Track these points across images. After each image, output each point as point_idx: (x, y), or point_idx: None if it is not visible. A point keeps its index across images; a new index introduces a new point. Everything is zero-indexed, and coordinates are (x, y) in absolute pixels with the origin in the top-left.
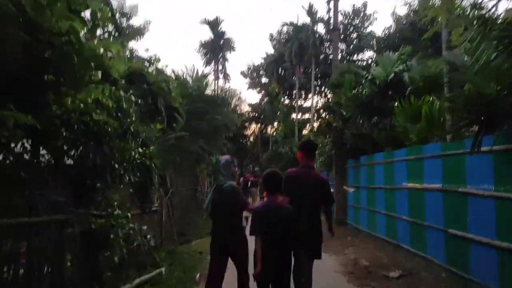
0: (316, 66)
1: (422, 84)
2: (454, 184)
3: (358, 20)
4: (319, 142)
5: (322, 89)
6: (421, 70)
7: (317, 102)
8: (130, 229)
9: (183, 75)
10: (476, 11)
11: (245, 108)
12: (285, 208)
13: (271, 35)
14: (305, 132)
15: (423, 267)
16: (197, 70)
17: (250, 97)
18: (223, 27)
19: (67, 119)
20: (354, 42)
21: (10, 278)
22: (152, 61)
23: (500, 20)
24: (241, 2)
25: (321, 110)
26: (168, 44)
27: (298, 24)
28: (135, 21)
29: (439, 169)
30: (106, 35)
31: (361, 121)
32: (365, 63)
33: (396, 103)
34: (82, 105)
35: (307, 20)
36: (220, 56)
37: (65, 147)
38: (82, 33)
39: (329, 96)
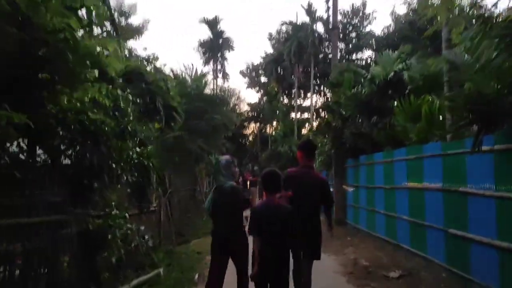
0: (315, 65)
1: (422, 83)
2: (455, 184)
3: (357, 20)
4: (319, 142)
5: (321, 89)
6: (421, 69)
7: (316, 102)
8: (128, 230)
9: (181, 74)
10: (475, 11)
11: (244, 108)
12: (284, 207)
13: (270, 34)
14: (304, 131)
15: (423, 267)
16: (196, 69)
17: (249, 97)
18: (222, 26)
19: (63, 118)
20: (353, 41)
21: (6, 279)
22: (151, 60)
23: (501, 18)
24: (241, 2)
25: (320, 110)
26: (168, 44)
27: (298, 23)
28: (134, 20)
29: (439, 169)
30: (104, 34)
31: (360, 121)
32: (364, 62)
33: (396, 102)
34: (78, 104)
35: (306, 19)
36: (219, 55)
37: (62, 147)
38: (79, 32)
39: (328, 95)
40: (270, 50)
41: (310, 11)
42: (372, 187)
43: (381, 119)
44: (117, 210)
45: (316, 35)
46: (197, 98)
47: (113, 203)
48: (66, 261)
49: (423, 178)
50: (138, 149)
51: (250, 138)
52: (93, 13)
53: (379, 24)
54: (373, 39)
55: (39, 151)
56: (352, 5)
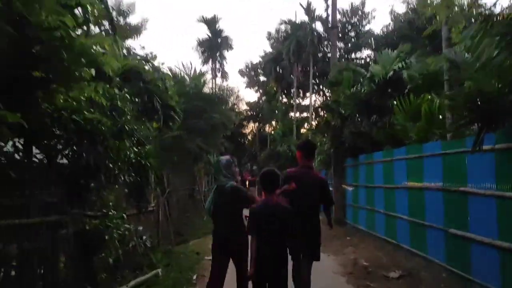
0: (314, 65)
1: (422, 82)
2: (455, 183)
3: (356, 19)
4: (318, 141)
5: (320, 88)
6: (421, 68)
7: (315, 101)
8: (125, 230)
9: (180, 73)
10: (474, 10)
11: (243, 107)
12: (283, 206)
13: (269, 34)
14: (303, 130)
15: (423, 267)
16: (195, 68)
17: (248, 96)
18: (220, 25)
19: (58, 117)
20: (352, 41)
21: (1, 279)
22: (149, 58)
23: (502, 16)
24: (241, 2)
25: (320, 109)
26: (168, 44)
27: (297, 22)
28: (133, 20)
29: (439, 168)
30: (103, 33)
31: (359, 120)
32: (363, 61)
33: (395, 101)
34: (74, 103)
35: (305, 18)
36: (217, 54)
37: (59, 146)
38: (78, 31)
39: (327, 94)
40: (269, 50)
41: (309, 10)
42: (371, 186)
43: (380, 118)
44: (115, 210)
45: (315, 34)
46: (195, 97)
47: (110, 203)
48: (63, 262)
49: (423, 178)
50: (135, 149)
51: (249, 138)
52: (89, 11)
53: (378, 23)
54: (372, 38)
55: (36, 151)
56: (351, 4)
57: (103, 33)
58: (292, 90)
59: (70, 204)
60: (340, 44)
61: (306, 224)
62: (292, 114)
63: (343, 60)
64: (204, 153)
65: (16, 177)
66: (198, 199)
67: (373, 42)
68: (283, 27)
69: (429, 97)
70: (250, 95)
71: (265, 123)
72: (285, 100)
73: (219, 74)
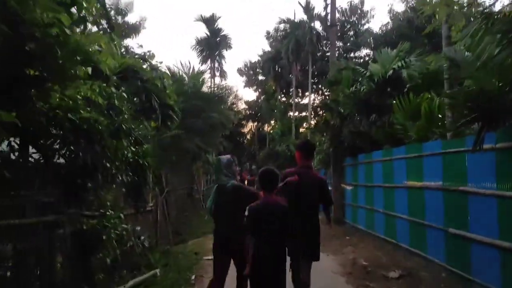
0: (313, 64)
1: (421, 81)
2: (455, 183)
3: (355, 18)
4: (317, 140)
5: (319, 87)
6: (420, 67)
7: (314, 100)
8: (123, 230)
9: (179, 72)
10: (473, 8)
11: (242, 106)
12: (282, 206)
13: (268, 32)
14: (302, 130)
15: (423, 267)
16: (193, 67)
17: (246, 95)
18: (219, 24)
19: (54, 116)
20: (351, 40)
21: None
22: (147, 57)
23: (503, 14)
24: (243, 3)
25: (319, 108)
26: (169, 44)
27: (295, 21)
28: (131, 19)
29: (439, 167)
30: (101, 32)
31: (359, 119)
32: (362, 60)
33: (395, 100)
34: (70, 102)
35: (304, 17)
36: (216, 53)
37: (56, 146)
38: (76, 29)
39: (326, 93)
40: (268, 49)
41: (308, 8)
42: (371, 185)
43: (380, 118)
44: (112, 210)
45: (314, 33)
46: (194, 97)
47: (108, 203)
48: (60, 262)
49: (423, 177)
50: (133, 148)
51: (248, 137)
52: (84, 7)
53: (377, 22)
54: (371, 37)
55: (32, 150)
56: (350, 2)
57: (101, 32)
58: (291, 89)
59: (67, 204)
60: (339, 43)
61: (306, 224)
62: (291, 113)
63: (342, 59)
64: (203, 153)
65: (11, 177)
66: (197, 198)
67: (372, 41)
68: (282, 26)
69: (429, 96)
70: (249, 94)
71: (264, 123)
72: (284, 99)
73: (217, 73)
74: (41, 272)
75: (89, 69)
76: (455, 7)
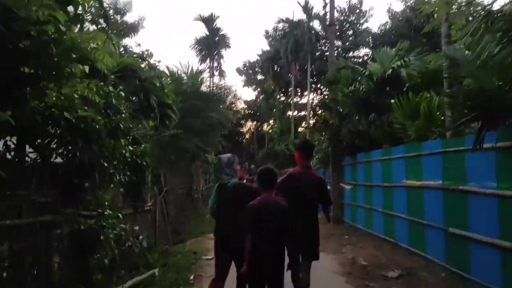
0: (312, 63)
1: (421, 80)
2: (454, 182)
3: (353, 17)
4: (316, 139)
5: (318, 86)
6: (419, 66)
7: (313, 99)
8: (121, 230)
9: (177, 72)
10: (473, 7)
11: (241, 105)
12: (281, 204)
13: (267, 32)
14: (301, 129)
15: (422, 266)
16: (192, 67)
17: (245, 95)
18: (218, 23)
19: (50, 115)
20: (350, 39)
21: None
22: (145, 56)
23: (503, 12)
24: (242, 2)
25: (317, 107)
26: (169, 45)
27: (294, 20)
28: (130, 18)
29: (438, 167)
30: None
31: (357, 118)
32: (360, 60)
33: (394, 99)
34: (67, 101)
35: (303, 16)
36: (215, 53)
37: (53, 145)
38: (70, 27)
39: (325, 93)
40: (267, 48)
41: (306, 8)
42: (369, 185)
43: (379, 117)
44: (110, 210)
45: (313, 32)
46: (193, 96)
47: (106, 203)
48: (57, 262)
49: (422, 176)
50: (131, 148)
51: (247, 136)
52: (80, 3)
53: (376, 21)
54: (370, 37)
55: (29, 150)
56: (349, 2)
57: (99, 31)
58: (290, 89)
59: (64, 204)
60: (338, 43)
61: (306, 224)
62: (290, 112)
63: (341, 58)
64: (202, 152)
65: (7, 177)
66: (196, 198)
67: (370, 40)
68: (280, 25)
69: (428, 95)
70: (248, 94)
71: (263, 122)
72: (283, 98)
73: (216, 73)
74: (38, 272)
75: (86, 68)
76: (454, 6)
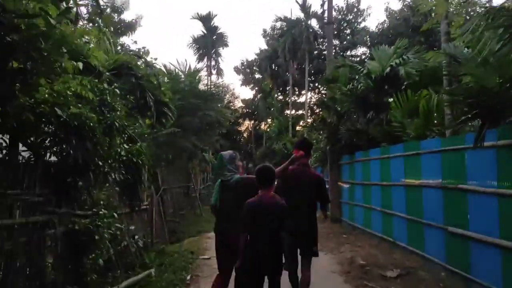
0: (309, 62)
1: (419, 78)
2: (454, 181)
3: (351, 16)
4: (314, 138)
5: (316, 85)
6: (418, 64)
7: (310, 98)
8: (117, 229)
9: (175, 70)
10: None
11: (239, 104)
12: (279, 203)
13: (264, 31)
14: (299, 128)
15: (421, 266)
16: (190, 65)
17: (243, 93)
18: (216, 22)
19: (42, 112)
20: (348, 38)
21: None
22: (141, 53)
23: (505, 8)
24: (241, 2)
25: (315, 106)
26: (169, 45)
27: (292, 19)
28: (128, 16)
29: (438, 165)
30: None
31: (356, 116)
32: (358, 59)
33: (393, 97)
34: (62, 98)
35: (301, 15)
36: (213, 51)
37: (47, 143)
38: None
39: (323, 92)
40: (264, 47)
41: (304, 6)
42: (368, 183)
43: (377, 115)
44: (106, 209)
45: (311, 31)
46: (190, 95)
47: (101, 202)
48: (51, 263)
49: (421, 175)
50: (126, 146)
51: (245, 135)
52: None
53: (374, 20)
54: (368, 36)
55: (23, 148)
56: (347, 1)
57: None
58: (287, 88)
59: (58, 203)
60: (336, 42)
61: (304, 222)
62: (287, 111)
63: (339, 57)
64: (199, 151)
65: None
66: (193, 197)
67: (368, 39)
68: (278, 24)
69: (427, 93)
70: (246, 93)
71: (261, 121)
72: (280, 97)
73: (214, 71)
74: (31, 273)
75: (80, 64)
76: (453, 2)
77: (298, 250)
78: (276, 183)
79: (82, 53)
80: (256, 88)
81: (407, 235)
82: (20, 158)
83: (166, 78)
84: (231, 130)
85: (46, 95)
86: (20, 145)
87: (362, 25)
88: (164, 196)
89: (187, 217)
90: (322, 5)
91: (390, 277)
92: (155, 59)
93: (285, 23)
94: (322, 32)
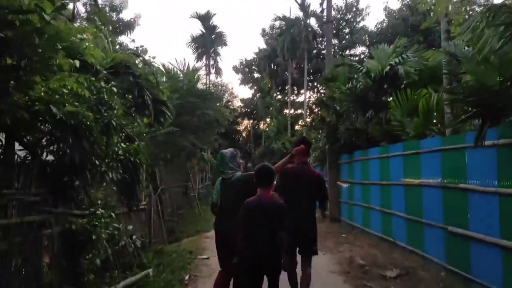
0: (308, 61)
1: (419, 77)
2: (454, 180)
3: (350, 15)
4: (313, 137)
5: (315, 85)
6: (418, 63)
7: (309, 98)
8: (114, 229)
9: (173, 69)
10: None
11: (237, 103)
12: (278, 202)
13: (263, 30)
14: (297, 127)
15: (421, 266)
16: (188, 64)
17: (242, 93)
18: (214, 21)
19: (37, 110)
20: (347, 38)
21: None
22: (139, 52)
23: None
24: (241, 2)
25: (314, 105)
26: (169, 45)
27: (291, 18)
28: (127, 16)
29: (438, 165)
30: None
31: (355, 116)
32: (357, 58)
33: (392, 96)
34: (54, 95)
35: (300, 14)
36: (211, 50)
37: (43, 142)
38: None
39: (321, 91)
40: (263, 46)
41: (303, 5)
42: (367, 183)
43: (376, 114)
44: (103, 209)
45: (310, 30)
46: (189, 94)
47: (99, 202)
48: (47, 264)
49: (421, 174)
50: (123, 145)
51: (244, 135)
52: None
53: (373, 19)
54: (367, 35)
55: (19, 147)
56: (346, 0)
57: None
58: (286, 87)
59: (55, 203)
60: (335, 41)
61: (304, 220)
62: (286, 111)
63: (337, 57)
64: (198, 150)
65: None
66: (192, 196)
67: (367, 38)
68: (277, 23)
69: (427, 92)
70: (245, 92)
71: (260, 120)
72: (279, 97)
73: (213, 71)
74: (27, 274)
75: (77, 62)
76: (453, 0)
77: (297, 249)
78: (275, 182)
79: (78, 50)
80: (255, 88)
81: (407, 234)
82: (16, 157)
83: (164, 77)
84: (230, 130)
85: (42, 93)
86: (16, 144)
87: (361, 24)
88: (163, 196)
89: (186, 216)
90: (321, 4)
91: (390, 277)
92: (153, 57)
93: (284, 22)
94: (321, 31)
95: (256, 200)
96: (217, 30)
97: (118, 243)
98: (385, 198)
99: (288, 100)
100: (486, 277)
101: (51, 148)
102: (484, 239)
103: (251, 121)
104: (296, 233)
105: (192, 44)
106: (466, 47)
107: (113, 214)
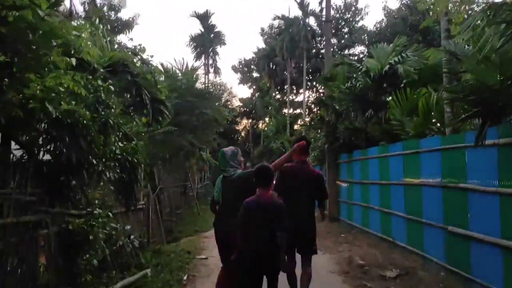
0: (307, 61)
1: (418, 76)
2: (454, 180)
3: (349, 15)
4: (312, 137)
5: (314, 84)
6: (417, 62)
7: (308, 97)
8: (112, 229)
9: (172, 68)
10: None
11: (236, 103)
12: (277, 202)
13: (262, 29)
14: (296, 127)
15: (420, 266)
16: (187, 64)
17: (241, 92)
18: (213, 20)
19: (33, 109)
20: (346, 37)
21: None
22: (137, 51)
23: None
24: (241, 2)
25: (313, 105)
26: (169, 45)
27: (290, 17)
28: (125, 15)
29: (437, 164)
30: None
31: (354, 115)
32: (356, 58)
33: (391, 96)
34: (49, 93)
35: (299, 13)
36: (210, 50)
37: (40, 142)
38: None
39: (321, 91)
40: (262, 46)
41: (302, 4)
42: (366, 182)
43: (376, 113)
44: (101, 209)
45: (309, 29)
46: (187, 93)
47: (96, 201)
48: (44, 264)
49: (421, 174)
50: (121, 144)
51: (242, 134)
52: None
53: (372, 19)
54: (366, 35)
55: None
56: None
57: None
58: (285, 87)
59: (51, 203)
60: (334, 40)
61: (303, 220)
62: (285, 110)
63: (336, 56)
64: (197, 149)
65: None
66: (191, 196)
67: (366, 38)
68: (276, 22)
69: (426, 91)
70: (244, 92)
71: (259, 120)
72: (278, 96)
73: (211, 70)
74: (23, 274)
75: (73, 60)
76: None
77: (296, 249)
78: (274, 182)
79: (75, 48)
80: (254, 87)
81: (406, 234)
82: (12, 156)
83: (163, 76)
84: (229, 129)
85: (38, 91)
86: (12, 143)
87: (360, 23)
88: (161, 195)
89: (184, 216)
90: (320, 3)
91: (390, 277)
92: (152, 56)
93: (283, 22)
94: (320, 31)
95: (255, 200)
96: (216, 30)
97: (116, 243)
98: (384, 198)
99: (287, 99)
100: (486, 277)
101: (48, 147)
102: (484, 239)
103: (250, 120)
104: (296, 232)
105: (191, 43)
106: (466, 46)
107: (110, 214)
